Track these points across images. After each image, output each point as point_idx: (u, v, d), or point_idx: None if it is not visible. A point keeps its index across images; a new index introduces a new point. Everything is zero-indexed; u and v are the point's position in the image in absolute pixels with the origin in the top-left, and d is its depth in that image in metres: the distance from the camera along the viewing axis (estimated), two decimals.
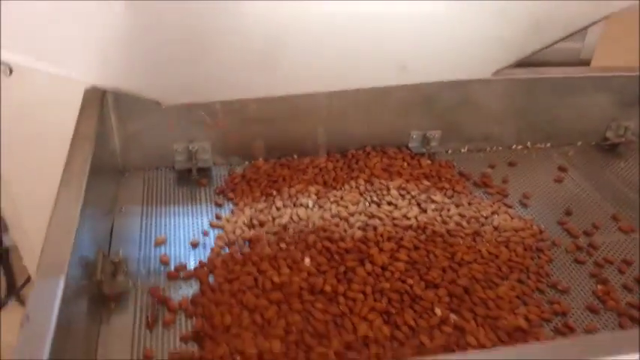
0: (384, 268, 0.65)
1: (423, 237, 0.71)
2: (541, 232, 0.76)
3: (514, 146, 0.97)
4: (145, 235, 0.72)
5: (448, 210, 0.77)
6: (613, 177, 0.91)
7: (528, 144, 0.97)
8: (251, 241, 0.70)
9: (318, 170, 0.84)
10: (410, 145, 0.91)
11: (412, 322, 0.59)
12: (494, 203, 0.81)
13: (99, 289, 0.59)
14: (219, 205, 0.78)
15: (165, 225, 0.74)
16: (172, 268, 0.67)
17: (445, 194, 0.81)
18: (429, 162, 0.89)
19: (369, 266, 0.65)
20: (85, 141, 0.63)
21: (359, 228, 0.72)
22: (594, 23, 0.76)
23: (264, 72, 0.75)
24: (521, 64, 0.86)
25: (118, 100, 0.77)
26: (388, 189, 0.80)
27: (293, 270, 0.65)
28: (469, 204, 0.79)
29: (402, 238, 0.70)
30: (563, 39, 0.77)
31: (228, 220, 0.74)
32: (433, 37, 0.76)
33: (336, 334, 0.58)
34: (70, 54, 0.71)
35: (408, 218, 0.74)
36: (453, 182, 0.84)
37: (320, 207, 0.76)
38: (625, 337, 0.45)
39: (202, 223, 0.75)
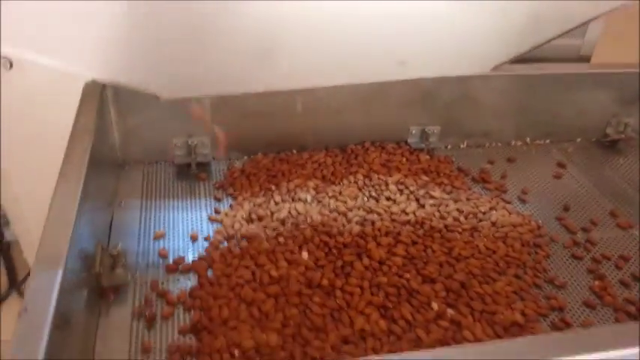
0: (381, 262, 0.66)
1: (420, 232, 0.71)
2: (539, 227, 0.76)
3: (513, 142, 0.97)
4: (144, 228, 0.73)
5: (446, 205, 0.77)
6: (612, 173, 0.91)
7: (528, 140, 0.97)
8: (249, 236, 0.70)
9: (316, 165, 0.84)
10: (409, 140, 0.91)
11: (409, 317, 0.60)
12: (492, 199, 0.81)
13: (97, 281, 0.59)
14: (218, 200, 0.79)
15: (165, 219, 0.75)
16: (171, 261, 0.67)
17: (444, 190, 0.81)
18: (427, 157, 0.89)
19: (366, 261, 0.66)
20: (84, 134, 0.63)
21: (357, 223, 0.72)
22: (593, 19, 0.76)
23: (263, 67, 0.76)
24: (521, 60, 0.86)
25: (117, 94, 0.77)
26: (387, 184, 0.80)
27: (291, 264, 0.65)
28: (467, 199, 0.79)
29: (399, 233, 0.70)
30: (562, 35, 0.77)
31: (226, 215, 0.74)
32: (432, 33, 0.76)
33: (333, 327, 0.58)
34: (70, 48, 0.71)
35: (406, 213, 0.74)
36: (451, 178, 0.84)
37: (318, 202, 0.76)
38: (625, 331, 0.45)
39: (201, 217, 0.75)
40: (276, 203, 0.75)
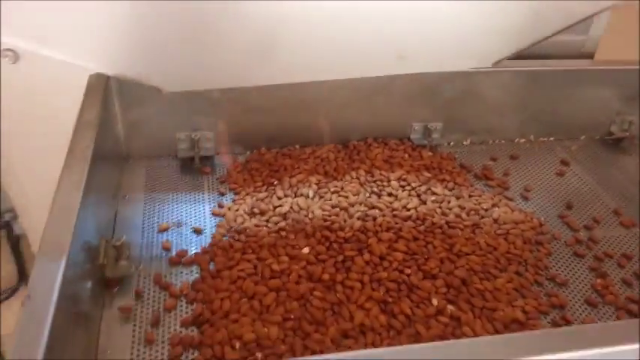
0: (382, 257, 0.66)
1: (422, 228, 0.71)
2: (541, 225, 0.76)
3: (517, 139, 0.97)
4: (147, 221, 0.73)
5: (448, 202, 0.77)
6: (616, 171, 0.91)
7: (531, 137, 0.97)
8: (251, 230, 0.70)
9: (319, 160, 0.84)
10: (411, 136, 0.91)
11: (409, 312, 0.60)
12: (494, 196, 0.81)
13: (102, 273, 0.60)
14: (221, 194, 0.79)
15: (168, 212, 0.75)
16: (174, 254, 0.68)
17: (446, 186, 0.81)
18: (430, 154, 0.89)
19: (367, 256, 0.66)
20: (88, 127, 0.64)
21: (358, 218, 0.72)
22: (595, 15, 0.76)
23: (266, 61, 0.76)
24: (524, 56, 0.86)
25: (121, 87, 0.78)
26: (389, 180, 0.80)
27: (292, 258, 0.66)
28: (469, 196, 0.79)
29: (400, 229, 0.70)
30: (563, 30, 0.77)
31: (229, 209, 0.75)
32: (432, 28, 0.76)
33: (333, 321, 0.59)
34: (75, 41, 0.72)
35: (408, 209, 0.75)
36: (454, 174, 0.84)
37: (320, 197, 0.76)
38: (625, 328, 0.45)
39: (204, 210, 0.76)
40: (279, 198, 0.76)
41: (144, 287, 0.63)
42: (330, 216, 0.72)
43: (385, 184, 0.80)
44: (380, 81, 0.85)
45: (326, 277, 0.63)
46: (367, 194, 0.78)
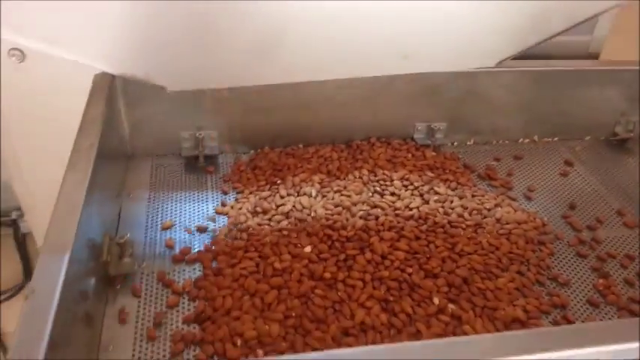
0: (383, 256, 0.66)
1: (424, 227, 0.72)
2: (544, 225, 0.76)
3: (521, 140, 0.97)
4: (151, 219, 0.74)
5: (451, 202, 0.77)
6: (620, 172, 0.91)
7: (535, 138, 0.97)
8: (254, 228, 0.71)
9: (322, 160, 0.85)
10: (415, 136, 0.92)
11: (410, 310, 0.60)
12: (497, 196, 0.81)
13: (105, 270, 0.61)
14: (224, 193, 0.80)
15: (172, 210, 0.76)
16: (177, 252, 0.68)
17: (449, 186, 0.81)
18: (433, 154, 0.89)
19: (369, 254, 0.66)
20: (93, 125, 0.64)
21: (361, 217, 0.72)
22: (598, 15, 0.75)
23: (270, 60, 0.76)
24: (528, 56, 0.86)
25: (126, 86, 0.78)
26: (391, 180, 0.80)
27: (294, 257, 0.66)
28: (472, 196, 0.79)
29: (403, 228, 0.71)
30: (566, 30, 0.77)
31: (232, 207, 0.75)
32: (436, 27, 0.76)
33: (334, 319, 0.59)
34: (81, 40, 0.73)
35: (410, 209, 0.75)
36: (457, 174, 0.84)
37: (323, 196, 0.77)
38: (626, 326, 0.45)
39: (208, 209, 0.76)
40: (282, 197, 0.76)
41: (144, 285, 0.63)
42: (332, 215, 0.72)
43: (388, 183, 0.80)
44: (383, 81, 0.85)
45: (327, 275, 0.63)
46: (370, 193, 0.78)
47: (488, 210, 0.77)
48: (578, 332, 0.45)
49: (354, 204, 0.75)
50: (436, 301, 0.61)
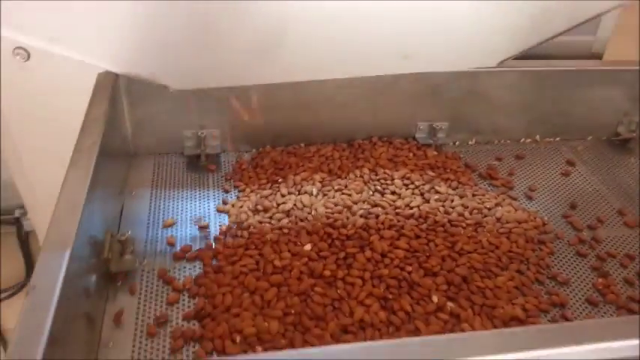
0: (383, 255, 0.66)
1: (424, 226, 0.72)
2: (544, 224, 0.76)
3: (523, 139, 0.97)
4: (153, 217, 0.74)
5: (451, 201, 0.77)
6: (622, 172, 0.90)
7: (537, 137, 0.97)
8: (255, 226, 0.71)
9: (323, 159, 0.85)
10: (417, 136, 0.92)
11: (409, 308, 0.60)
12: (498, 195, 0.81)
13: (106, 267, 0.61)
14: (226, 191, 0.80)
15: (174, 208, 0.76)
16: (178, 249, 0.69)
17: (450, 185, 0.81)
18: (435, 153, 0.89)
19: (368, 253, 0.66)
20: (96, 123, 0.65)
21: (361, 216, 0.73)
22: (600, 15, 0.75)
23: (272, 59, 0.77)
24: (531, 56, 0.86)
25: (129, 85, 0.79)
26: (392, 179, 0.81)
27: (294, 255, 0.66)
28: (473, 195, 0.80)
29: (403, 227, 0.71)
30: (568, 30, 0.77)
31: (233, 205, 0.76)
32: (436, 27, 0.76)
33: (333, 317, 0.59)
34: (85, 40, 0.73)
35: (411, 208, 0.75)
36: (458, 174, 0.84)
37: (324, 195, 0.77)
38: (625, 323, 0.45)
39: (209, 207, 0.77)
40: (283, 195, 0.76)
41: (145, 282, 0.64)
42: (333, 213, 0.73)
43: (389, 182, 0.80)
44: (385, 80, 0.85)
45: (327, 273, 0.64)
46: (371, 192, 0.78)
47: (489, 209, 0.77)
48: (577, 329, 0.45)
49: (355, 203, 0.75)
50: (435, 299, 0.62)
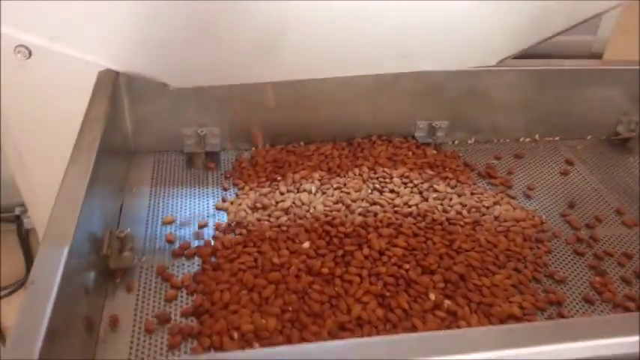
0: (381, 253, 0.67)
1: (422, 224, 0.72)
2: (542, 223, 0.76)
3: (522, 139, 0.97)
4: (152, 214, 0.75)
5: (450, 199, 0.78)
6: (621, 171, 0.91)
7: (537, 137, 0.97)
8: (253, 224, 0.72)
9: (323, 157, 0.85)
10: (416, 134, 0.92)
11: (406, 306, 0.61)
12: (497, 194, 0.81)
13: (105, 263, 0.62)
14: (225, 189, 0.80)
15: (173, 206, 0.77)
16: (177, 246, 0.69)
17: (448, 184, 0.81)
18: (434, 152, 0.89)
19: (366, 251, 0.67)
20: (96, 121, 0.65)
21: (359, 214, 0.73)
22: (599, 15, 0.75)
23: (271, 58, 0.77)
24: (531, 55, 0.86)
25: (130, 83, 0.79)
26: (391, 177, 0.81)
27: (292, 252, 0.67)
28: (472, 194, 0.80)
29: (401, 225, 0.71)
30: (567, 30, 0.77)
31: (232, 203, 0.76)
32: (436, 26, 0.76)
33: (330, 314, 0.59)
34: (86, 38, 0.74)
35: (409, 206, 0.75)
36: (457, 172, 0.85)
37: (323, 193, 0.77)
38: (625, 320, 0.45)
39: (208, 205, 0.77)
40: (282, 193, 0.77)
41: (143, 279, 0.64)
42: (331, 211, 0.73)
43: (387, 180, 0.80)
44: (385, 79, 0.85)
45: (325, 270, 0.64)
46: (369, 191, 0.78)
47: (487, 208, 0.77)
48: (574, 326, 0.46)
49: (354, 201, 0.75)
50: (432, 296, 0.62)
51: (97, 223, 0.59)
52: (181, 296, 0.62)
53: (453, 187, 0.81)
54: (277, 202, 0.75)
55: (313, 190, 0.77)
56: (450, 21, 0.76)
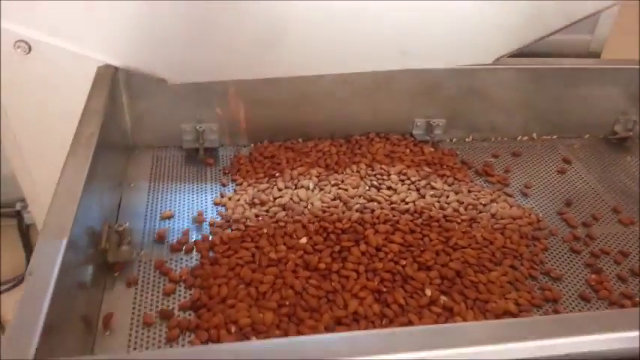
0: (378, 249, 0.67)
1: (419, 221, 0.72)
2: (539, 221, 0.77)
3: (520, 137, 0.97)
4: (151, 209, 0.75)
5: (447, 196, 0.78)
6: (618, 170, 0.91)
7: (534, 135, 0.97)
8: (251, 219, 0.72)
9: (321, 154, 0.86)
10: (414, 132, 0.92)
11: (402, 301, 0.61)
12: (494, 192, 0.81)
13: (104, 257, 0.62)
14: (223, 185, 0.81)
15: (171, 201, 0.77)
16: (175, 241, 0.69)
17: (445, 181, 0.82)
18: (432, 150, 0.90)
19: (363, 247, 0.67)
20: (94, 115, 0.65)
21: (357, 210, 0.73)
22: (596, 13, 0.76)
23: (270, 55, 0.77)
24: (529, 54, 0.86)
25: (129, 78, 0.79)
26: (389, 174, 0.81)
27: (290, 248, 0.67)
28: (468, 191, 0.80)
29: (398, 222, 0.71)
30: (564, 28, 0.77)
31: (230, 199, 0.76)
32: (434, 24, 0.76)
33: (327, 309, 0.60)
34: (86, 33, 0.74)
35: (406, 203, 0.76)
36: (454, 170, 0.85)
37: (320, 189, 0.78)
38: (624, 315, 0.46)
39: (207, 200, 0.77)
40: (280, 189, 0.77)
41: (141, 273, 0.64)
42: (329, 207, 0.73)
43: (385, 177, 0.81)
44: (383, 76, 0.86)
45: (322, 266, 0.64)
46: (367, 187, 0.79)
47: (484, 205, 0.78)
48: (570, 322, 0.46)
49: (351, 197, 0.76)
50: (428, 292, 0.62)
51: (95, 217, 0.60)
52: (179, 290, 0.63)
53: (450, 185, 0.81)
54: (275, 198, 0.75)
55: (311, 186, 0.78)
56: (447, 19, 0.77)
